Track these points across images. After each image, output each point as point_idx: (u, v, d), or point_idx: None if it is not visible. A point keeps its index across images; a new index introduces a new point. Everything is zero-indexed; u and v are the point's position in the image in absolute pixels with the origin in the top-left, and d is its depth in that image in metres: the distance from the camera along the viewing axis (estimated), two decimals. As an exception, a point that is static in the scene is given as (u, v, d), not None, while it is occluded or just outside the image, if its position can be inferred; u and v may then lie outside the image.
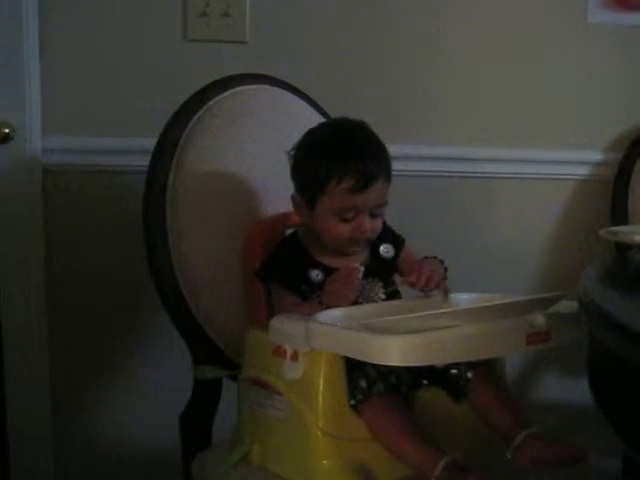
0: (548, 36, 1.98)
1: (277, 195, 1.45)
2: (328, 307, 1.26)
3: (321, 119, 1.57)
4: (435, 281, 1.29)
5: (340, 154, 1.29)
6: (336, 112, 1.53)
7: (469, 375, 1.27)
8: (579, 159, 2.01)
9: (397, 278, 1.41)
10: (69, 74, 1.81)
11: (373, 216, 1.32)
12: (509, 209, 2.02)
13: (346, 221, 1.30)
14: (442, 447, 1.15)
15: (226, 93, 1.50)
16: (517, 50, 1.97)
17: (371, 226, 1.31)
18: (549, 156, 1.99)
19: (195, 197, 1.40)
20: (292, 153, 1.36)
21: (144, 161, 1.43)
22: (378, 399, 1.19)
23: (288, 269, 1.34)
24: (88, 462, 1.91)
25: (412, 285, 1.30)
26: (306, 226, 1.37)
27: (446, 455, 1.13)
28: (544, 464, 1.16)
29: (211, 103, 1.48)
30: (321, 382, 1.17)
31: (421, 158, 1.92)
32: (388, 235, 1.40)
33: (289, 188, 1.36)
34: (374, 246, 1.39)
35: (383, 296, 1.36)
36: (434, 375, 1.29)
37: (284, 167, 1.37)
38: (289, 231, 1.45)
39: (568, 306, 1.17)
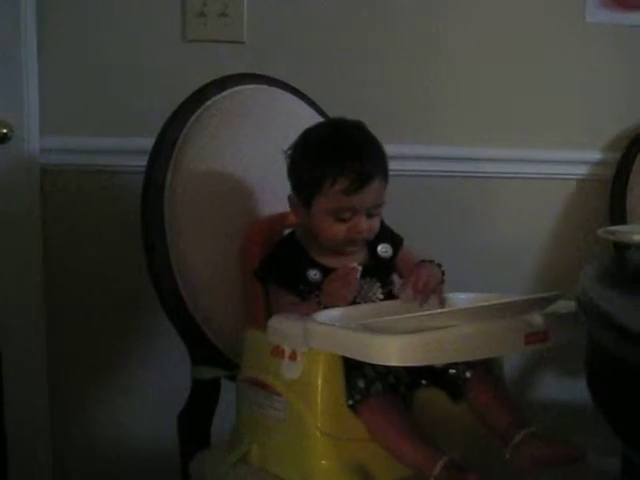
0: (546, 36, 1.98)
1: (275, 195, 1.45)
2: (326, 307, 1.26)
3: (319, 119, 1.57)
4: (432, 286, 1.29)
5: (336, 154, 1.29)
6: (335, 112, 1.53)
7: (467, 375, 1.27)
8: (577, 159, 2.01)
9: (396, 278, 1.41)
10: (67, 74, 1.81)
11: (370, 216, 1.31)
12: (507, 208, 2.02)
13: (342, 221, 1.30)
14: (441, 447, 1.15)
15: (224, 93, 1.50)
16: (516, 50, 1.97)
17: (367, 226, 1.31)
18: (547, 155, 1.99)
19: (193, 197, 1.40)
20: (289, 153, 1.36)
21: (142, 161, 1.43)
22: (376, 399, 1.19)
23: (286, 269, 1.34)
24: (87, 462, 1.91)
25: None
26: (304, 226, 1.37)
27: (445, 455, 1.12)
28: (542, 464, 1.16)
29: (209, 103, 1.48)
30: (319, 382, 1.17)
31: (418, 158, 1.92)
32: (386, 235, 1.40)
33: (286, 188, 1.36)
34: (372, 246, 1.38)
35: (381, 296, 1.36)
36: (432, 375, 1.29)
37: (282, 167, 1.37)
38: (287, 231, 1.45)
39: (566, 306, 1.17)
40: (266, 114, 1.55)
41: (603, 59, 2.00)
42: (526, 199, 2.01)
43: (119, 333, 1.88)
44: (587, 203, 2.03)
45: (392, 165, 1.36)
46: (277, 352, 1.22)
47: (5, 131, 1.75)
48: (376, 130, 1.35)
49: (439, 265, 1.34)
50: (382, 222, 1.37)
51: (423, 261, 1.34)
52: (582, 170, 2.02)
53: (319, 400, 1.17)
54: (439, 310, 1.25)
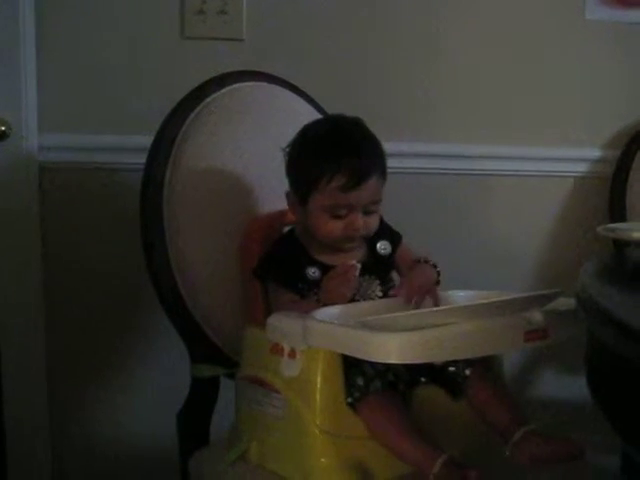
0: (546, 33, 1.97)
1: (274, 192, 1.44)
2: (325, 305, 1.25)
3: (319, 116, 1.57)
4: (426, 289, 1.30)
5: (333, 151, 1.28)
6: (334, 110, 1.53)
7: (467, 372, 1.26)
8: (577, 156, 2.00)
9: (395, 276, 1.41)
10: (66, 71, 1.81)
11: (367, 213, 1.31)
12: (506, 206, 2.01)
13: (339, 218, 1.29)
14: (440, 444, 1.15)
15: (223, 90, 1.50)
16: (515, 47, 1.97)
17: (364, 223, 1.30)
18: (547, 153, 1.99)
19: (192, 195, 1.40)
20: (287, 150, 1.35)
21: (141, 159, 1.43)
22: (375, 397, 1.19)
23: (285, 267, 1.34)
24: (86, 461, 1.91)
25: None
26: (302, 224, 1.37)
27: (444, 452, 1.12)
28: (542, 461, 1.16)
29: (208, 100, 1.47)
30: (318, 380, 1.17)
31: (417, 155, 1.92)
32: (385, 232, 1.40)
33: (286, 185, 1.36)
34: (371, 243, 1.38)
35: (380, 293, 1.36)
36: (432, 373, 1.28)
37: (281, 164, 1.36)
38: (286, 229, 1.44)
39: (566, 303, 1.17)
40: (265, 111, 1.54)
41: (603, 56, 2.00)
42: (526, 197, 2.01)
43: (118, 331, 1.88)
44: (587, 201, 2.02)
45: (391, 163, 1.35)
46: (276, 350, 1.22)
47: (4, 129, 1.75)
48: (375, 127, 1.35)
49: (434, 266, 1.35)
50: (381, 219, 1.37)
51: (419, 261, 1.35)
52: (582, 168, 2.01)
53: (318, 398, 1.17)
54: (438, 308, 1.25)
